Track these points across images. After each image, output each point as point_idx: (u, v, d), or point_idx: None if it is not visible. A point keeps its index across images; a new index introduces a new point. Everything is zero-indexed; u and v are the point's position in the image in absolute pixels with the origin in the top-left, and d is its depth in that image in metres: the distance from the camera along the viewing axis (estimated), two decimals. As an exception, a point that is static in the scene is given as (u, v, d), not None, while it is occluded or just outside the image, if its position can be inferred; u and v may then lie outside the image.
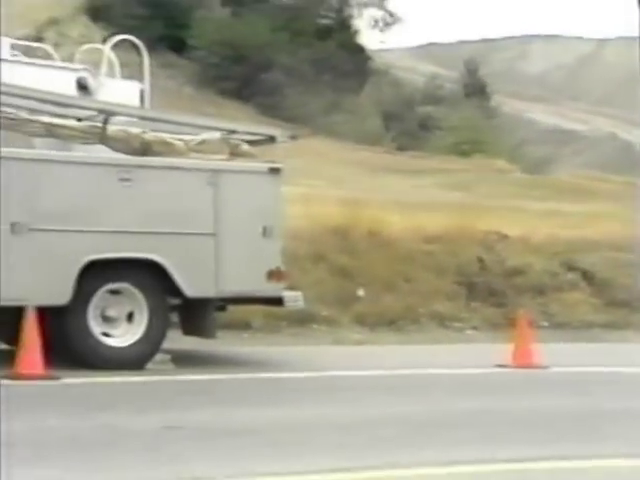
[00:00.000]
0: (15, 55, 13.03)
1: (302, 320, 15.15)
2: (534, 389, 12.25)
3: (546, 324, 14.21)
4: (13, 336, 11.44)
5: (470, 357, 13.70)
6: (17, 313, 11.29)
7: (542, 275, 18.57)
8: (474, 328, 16.50)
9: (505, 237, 19.36)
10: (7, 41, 13.22)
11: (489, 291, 17.69)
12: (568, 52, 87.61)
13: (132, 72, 13.43)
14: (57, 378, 10.99)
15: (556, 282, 18.55)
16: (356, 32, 78.82)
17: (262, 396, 11.52)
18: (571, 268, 18.94)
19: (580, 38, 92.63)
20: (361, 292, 16.91)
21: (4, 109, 12.50)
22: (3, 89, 12.27)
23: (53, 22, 55.80)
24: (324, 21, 74.92)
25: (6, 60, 12.82)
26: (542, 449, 8.39)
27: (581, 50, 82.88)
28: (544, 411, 10.49)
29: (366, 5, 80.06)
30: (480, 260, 18.36)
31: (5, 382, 10.75)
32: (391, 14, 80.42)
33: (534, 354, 13.24)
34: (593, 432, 8.69)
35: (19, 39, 13.89)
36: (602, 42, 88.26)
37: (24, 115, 12.65)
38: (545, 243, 19.53)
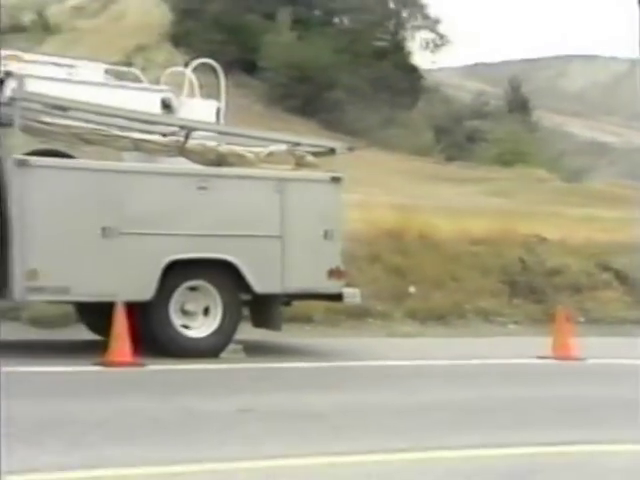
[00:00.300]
0: (108, 79, 13.17)
1: (359, 314, 15.15)
2: (572, 379, 12.20)
3: (582, 320, 14.15)
4: (105, 328, 11.58)
5: (512, 349, 13.64)
6: (108, 308, 11.44)
7: (579, 275, 18.47)
8: (516, 323, 16.43)
9: (544, 240, 19.28)
10: (101, 66, 13.37)
11: (530, 289, 17.60)
12: (604, 71, 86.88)
13: (210, 92, 13.52)
14: (143, 365, 11.13)
15: (591, 281, 18.44)
16: (410, 53, 78.61)
17: (324, 382, 11.55)
18: (605, 269, 18.83)
19: (615, 58, 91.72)
20: (412, 289, 16.89)
21: (98, 127, 12.67)
22: (97, 109, 12.43)
23: (141, 49, 56.14)
24: (381, 43, 74.71)
25: (100, 83, 12.98)
26: (580, 433, 8.37)
27: (616, 69, 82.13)
28: (581, 399, 10.45)
29: (419, 28, 79.75)
30: (522, 261, 18.30)
31: (98, 368, 10.97)
32: (441, 36, 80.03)
33: (572, 347, 13.20)
34: (626, 419, 8.63)
35: (111, 64, 14.01)
36: (635, 62, 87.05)
37: (115, 132, 12.81)
38: (581, 245, 19.41)
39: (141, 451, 7.30)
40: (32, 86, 11.89)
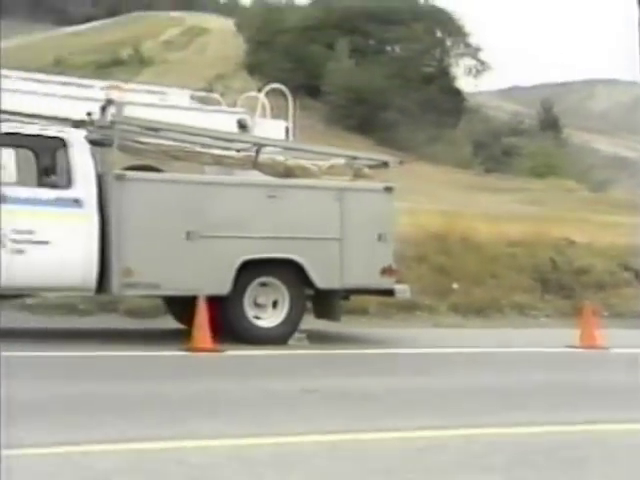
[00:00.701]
0: (193, 103, 13.28)
1: (408, 308, 15.12)
2: (597, 366, 12.13)
3: (606, 314, 14.04)
4: (189, 319, 11.66)
5: (544, 339, 13.59)
6: (191, 301, 11.53)
7: (603, 274, 18.33)
8: (547, 316, 16.31)
9: (573, 243, 19.15)
10: (187, 93, 13.49)
11: (560, 286, 17.48)
12: (626, 94, 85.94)
13: (279, 113, 13.58)
14: (222, 351, 11.17)
15: (614, 280, 18.30)
16: (454, 78, 78.56)
17: (378, 367, 11.55)
18: (627, 268, 18.67)
19: (635, 82, 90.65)
20: (455, 286, 16.83)
21: (184, 145, 12.78)
22: (183, 130, 12.53)
23: (220, 77, 56.78)
24: (428, 69, 74.72)
25: (186, 107, 13.09)
26: (604, 413, 8.31)
27: (636, 92, 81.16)
28: (605, 383, 10.37)
29: (462, 55, 79.59)
30: (552, 261, 18.17)
31: (183, 354, 11.05)
32: (482, 63, 79.84)
33: (597, 338, 13.11)
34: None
35: (196, 91, 14.13)
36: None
37: (198, 149, 12.92)
38: (606, 248, 19.26)
39: (222, 425, 7.36)
40: (129, 111, 12.04)
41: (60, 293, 12.61)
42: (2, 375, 8.38)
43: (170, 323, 13.10)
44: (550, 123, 75.26)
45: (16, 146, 11.44)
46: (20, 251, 11.05)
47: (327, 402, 8.75)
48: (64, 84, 12.96)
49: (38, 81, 12.76)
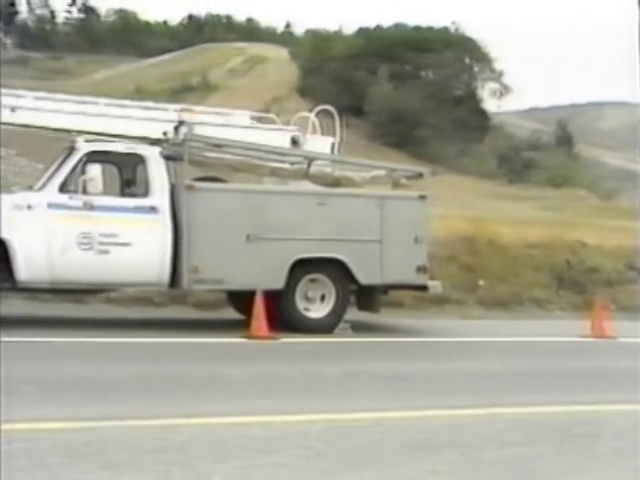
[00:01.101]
0: (253, 123, 13.33)
1: (440, 301, 15.07)
2: (606, 353, 12.06)
3: (614, 307, 13.91)
4: (248, 310, 11.68)
5: (559, 330, 13.48)
6: (250, 295, 11.55)
7: (611, 272, 18.18)
8: (562, 309, 16.18)
9: (585, 245, 18.99)
10: (248, 114, 13.56)
11: (573, 283, 17.34)
12: (631, 114, 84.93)
13: (327, 130, 13.59)
14: (276, 339, 11.19)
15: (621, 278, 18.14)
16: (480, 99, 78.59)
17: (412, 353, 11.53)
18: (632, 268, 18.51)
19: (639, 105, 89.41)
20: (481, 282, 16.74)
21: (245, 159, 12.83)
22: (244, 146, 12.58)
23: (276, 100, 57.11)
24: (457, 92, 74.75)
25: (247, 126, 13.15)
26: (613, 395, 8.27)
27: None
28: (613, 368, 10.33)
29: (487, 80, 79.54)
30: (567, 261, 18.05)
31: (243, 340, 11.07)
32: (505, 87, 79.83)
33: (606, 328, 13.00)
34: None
35: (255, 112, 14.19)
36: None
37: (257, 162, 12.97)
38: (613, 249, 19.10)
39: (277, 403, 7.39)
40: (198, 130, 12.11)
41: (138, 288, 12.70)
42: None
43: (231, 314, 13.14)
44: (564, 140, 75.04)
45: (102, 162, 11.54)
46: (105, 252, 11.15)
47: (368, 384, 8.74)
48: (143, 108, 13.09)
49: (121, 106, 12.90)
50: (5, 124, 12.34)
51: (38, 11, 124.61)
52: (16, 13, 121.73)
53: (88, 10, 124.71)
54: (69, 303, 12.84)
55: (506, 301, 16.35)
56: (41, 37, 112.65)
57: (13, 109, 11.95)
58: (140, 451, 5.60)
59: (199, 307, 13.79)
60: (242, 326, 11.58)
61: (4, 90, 12.61)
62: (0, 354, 8.26)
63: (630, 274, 18.44)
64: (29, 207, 10.99)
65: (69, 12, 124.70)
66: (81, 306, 12.95)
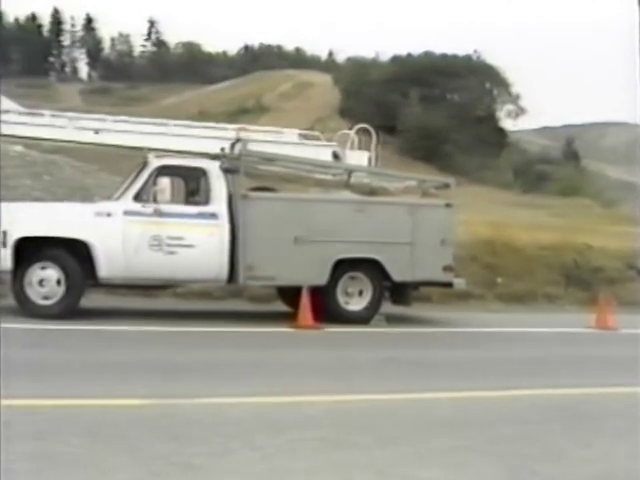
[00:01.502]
0: (300, 139, 13.36)
1: (463, 296, 14.97)
2: (609, 342, 11.91)
3: (616, 303, 13.72)
4: (295, 303, 11.69)
5: (568, 322, 13.33)
6: (297, 290, 11.56)
7: (613, 271, 17.97)
8: (570, 304, 16.00)
9: (590, 247, 18.74)
10: (296, 132, 13.61)
11: (580, 281, 17.15)
12: (630, 133, 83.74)
13: (365, 146, 13.60)
14: (320, 328, 11.16)
15: (622, 276, 17.93)
16: (498, 119, 78.19)
17: (440, 342, 11.48)
18: (631, 267, 18.29)
19: (637, 125, 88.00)
20: (499, 280, 16.62)
21: (292, 171, 12.85)
22: (292, 159, 12.62)
23: (320, 120, 57.15)
24: (479, 113, 74.36)
25: (295, 143, 13.19)
26: (614, 379, 8.21)
27: (638, 132, 79.28)
28: (615, 356, 10.24)
29: (505, 102, 79.14)
30: (574, 261, 17.84)
31: (291, 330, 11.07)
32: (520, 108, 79.40)
33: (609, 321, 12.83)
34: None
35: (302, 130, 14.22)
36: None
37: (303, 174, 12.98)
38: (615, 251, 18.86)
39: (321, 384, 7.41)
40: (252, 146, 12.15)
41: (200, 284, 12.76)
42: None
43: (281, 307, 13.15)
44: (572, 155, 74.60)
45: (170, 175, 11.61)
46: (172, 252, 11.20)
47: (400, 368, 8.72)
48: (205, 128, 13.20)
49: (187, 126, 13.04)
50: (90, 144, 12.52)
51: (119, 47, 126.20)
52: (101, 50, 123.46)
53: (160, 44, 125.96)
54: (142, 297, 12.95)
55: (522, 296, 16.23)
56: (121, 69, 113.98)
57: (97, 131, 12.15)
58: (203, 425, 5.64)
59: (253, 301, 13.83)
60: (290, 317, 11.58)
61: (90, 115, 12.80)
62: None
63: (630, 273, 18.24)
64: (108, 214, 11.10)
65: (144, 46, 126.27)
66: (152, 300, 13.04)
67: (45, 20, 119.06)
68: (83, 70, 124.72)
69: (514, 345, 11.31)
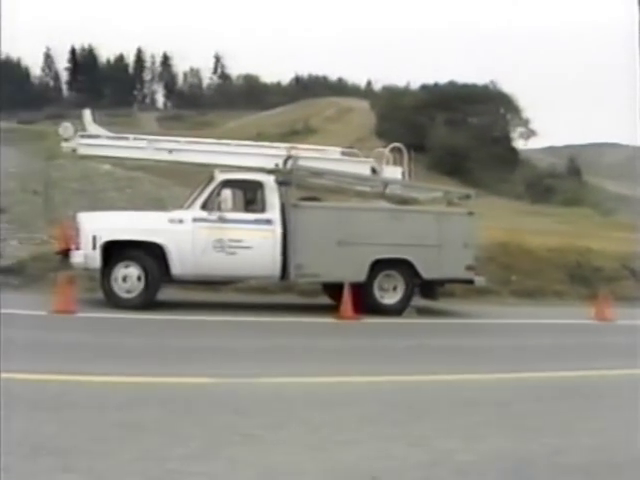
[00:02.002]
0: (343, 157, 13.28)
1: (482, 292, 14.76)
2: (607, 332, 11.70)
3: (613, 298, 13.45)
4: (337, 297, 11.62)
5: (572, 314, 13.10)
6: (339, 285, 11.51)
7: (611, 271, 17.63)
8: (574, 299, 15.70)
9: (591, 250, 18.38)
10: (338, 150, 13.50)
11: (582, 279, 16.83)
12: (625, 152, 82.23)
13: (398, 162, 13.45)
14: (359, 319, 11.06)
15: (618, 275, 17.59)
16: (511, 139, 77.46)
17: (463, 331, 11.40)
18: (626, 268, 17.91)
19: (631, 145, 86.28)
20: (514, 278, 16.39)
21: (337, 184, 12.79)
22: (336, 173, 12.56)
23: (359, 139, 57.04)
24: (495, 134, 73.75)
25: (338, 159, 13.10)
26: (612, 363, 8.12)
27: (631, 151, 77.82)
28: (612, 344, 10.11)
29: (517, 125, 78.47)
30: (578, 262, 17.53)
31: (333, 321, 10.99)
32: (530, 130, 78.68)
33: (607, 314, 12.60)
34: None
35: (344, 148, 14.11)
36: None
37: (345, 186, 12.93)
38: (613, 254, 18.50)
39: (360, 367, 7.38)
40: (302, 162, 12.12)
41: (257, 280, 12.78)
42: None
43: (325, 300, 13.11)
44: (574, 171, 73.74)
45: (232, 187, 11.65)
46: (233, 253, 11.23)
47: (428, 354, 8.67)
48: (261, 147, 13.18)
49: (246, 146, 13.01)
50: (165, 162, 12.61)
51: (190, 80, 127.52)
52: (175, 83, 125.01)
53: (224, 76, 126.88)
54: (208, 291, 13.01)
55: (533, 292, 16.01)
56: (192, 99, 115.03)
57: (171, 151, 12.19)
58: (260, 401, 5.65)
59: (302, 295, 13.82)
60: (333, 310, 11.53)
61: (165, 138, 12.90)
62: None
63: (625, 272, 17.90)
64: (180, 221, 11.17)
65: (211, 79, 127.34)
66: (216, 293, 13.11)
67: (130, 59, 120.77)
68: (160, 100, 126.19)
69: (526, 334, 11.15)
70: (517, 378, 7.24)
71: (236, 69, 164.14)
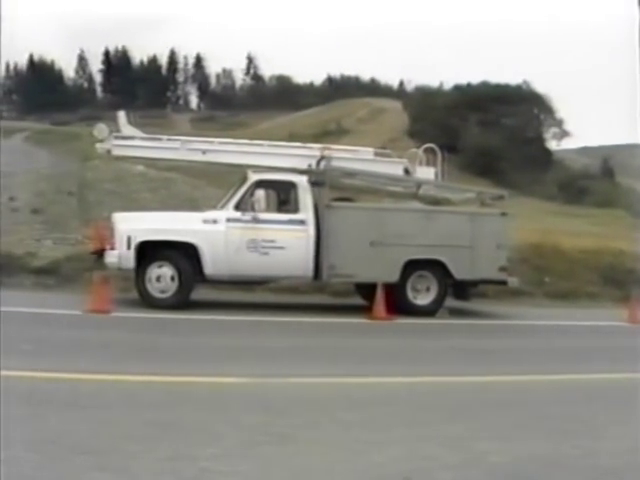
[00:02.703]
0: (376, 157, 13.25)
1: (515, 293, 14.61)
2: (639, 334, 11.47)
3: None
4: (370, 298, 11.60)
5: (605, 316, 12.89)
6: (372, 286, 11.49)
7: (642, 273, 17.41)
8: (607, 301, 15.44)
9: (624, 252, 18.02)
10: (371, 151, 13.47)
11: (615, 281, 16.52)
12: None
13: (431, 163, 13.38)
14: (392, 320, 11.02)
15: (651, 277, 17.37)
16: (545, 140, 76.69)
17: (495, 332, 11.29)
18: (660, 268, 17.65)
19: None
20: (547, 279, 16.17)
21: (369, 184, 12.78)
22: (369, 174, 12.54)
23: (392, 140, 56.94)
24: (529, 135, 73.02)
25: (370, 160, 13.08)
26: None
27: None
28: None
29: (550, 126, 77.65)
30: (610, 264, 17.25)
31: (366, 321, 10.97)
32: (564, 131, 77.82)
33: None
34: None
35: (377, 149, 14.06)
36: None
37: (378, 186, 12.90)
38: (644, 256, 18.27)
39: (392, 367, 7.40)
40: (335, 163, 12.11)
41: (290, 280, 12.78)
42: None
43: (358, 300, 13.09)
44: (607, 172, 72.76)
45: (265, 187, 11.69)
46: (266, 253, 11.26)
47: (461, 354, 8.62)
48: (294, 147, 13.19)
49: (279, 147, 13.01)
50: (198, 162, 12.69)
51: (223, 81, 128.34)
52: (208, 84, 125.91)
53: (257, 77, 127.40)
54: (241, 291, 13.07)
55: (566, 294, 15.81)
56: (224, 100, 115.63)
57: (204, 152, 12.25)
58: (293, 401, 5.66)
59: (334, 295, 13.81)
60: (366, 310, 11.51)
61: (198, 139, 12.97)
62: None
63: (657, 274, 17.59)
64: (214, 221, 11.23)
65: (244, 80, 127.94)
66: (249, 293, 13.16)
67: (163, 61, 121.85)
68: (193, 102, 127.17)
69: (559, 336, 11.04)
70: (549, 380, 7.18)
71: (269, 70, 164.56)
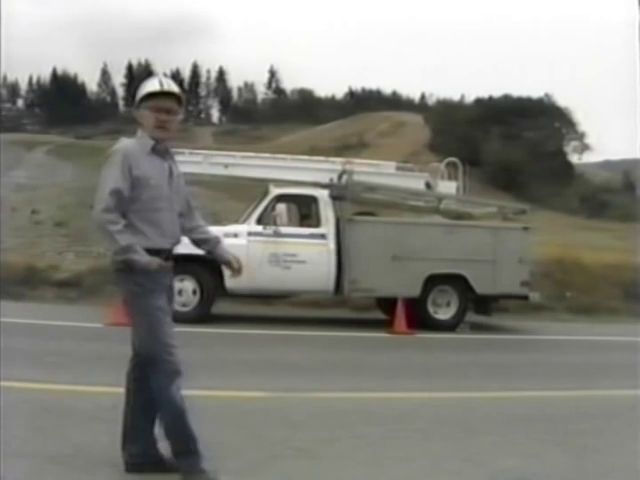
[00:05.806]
0: (397, 171, 13.27)
1: (537, 308, 14.56)
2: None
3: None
4: (391, 312, 11.61)
5: (626, 331, 12.68)
6: (393, 300, 11.50)
7: (664, 286, 17.20)
8: (628, 316, 15.30)
9: (646, 266, 17.96)
10: (393, 164, 13.51)
11: (637, 296, 16.38)
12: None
13: (452, 177, 13.38)
14: (413, 334, 11.06)
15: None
16: (566, 154, 76.32)
17: (517, 347, 11.18)
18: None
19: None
20: (569, 294, 16.12)
21: (391, 198, 12.79)
22: (390, 188, 12.56)
23: (413, 154, 56.92)
24: (550, 148, 72.62)
25: (392, 174, 13.10)
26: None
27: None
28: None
29: (572, 139, 77.27)
30: (632, 279, 17.06)
31: (387, 335, 10.98)
32: (585, 145, 77.40)
33: (663, 332, 12.30)
34: None
35: (398, 163, 14.09)
36: None
37: (400, 200, 12.92)
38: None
39: (412, 382, 7.37)
40: (356, 177, 12.15)
41: (311, 294, 12.81)
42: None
43: (379, 315, 13.09)
44: (629, 186, 72.16)
45: (287, 201, 11.77)
46: (288, 267, 11.31)
47: (482, 370, 8.54)
48: (316, 161, 13.26)
49: (300, 160, 13.10)
50: (220, 176, 12.80)
51: (245, 95, 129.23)
52: (230, 98, 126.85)
53: (279, 91, 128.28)
54: (262, 305, 13.11)
55: (587, 308, 15.71)
56: (246, 113, 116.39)
57: (226, 165, 12.36)
58: (313, 416, 5.67)
59: (355, 309, 13.82)
60: (387, 324, 11.52)
61: (220, 152, 13.08)
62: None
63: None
64: (235, 235, 11.30)
65: (266, 94, 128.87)
66: (270, 307, 13.20)
67: (186, 74, 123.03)
68: (215, 115, 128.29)
69: (580, 351, 10.93)
70: (571, 395, 7.12)
71: (290, 83, 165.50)
